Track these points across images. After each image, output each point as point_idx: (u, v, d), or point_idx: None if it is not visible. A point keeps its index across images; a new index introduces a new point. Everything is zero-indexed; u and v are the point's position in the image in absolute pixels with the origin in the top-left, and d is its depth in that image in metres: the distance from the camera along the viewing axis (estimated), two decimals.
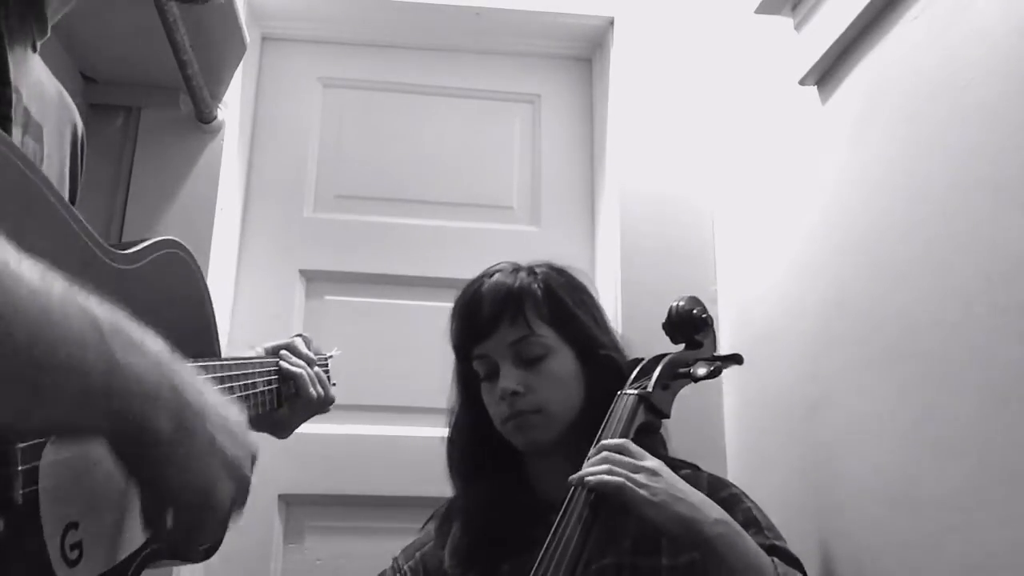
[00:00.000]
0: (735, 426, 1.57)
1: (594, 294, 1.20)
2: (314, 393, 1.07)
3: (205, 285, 0.87)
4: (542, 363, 1.10)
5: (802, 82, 1.31)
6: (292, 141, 1.84)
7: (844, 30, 1.17)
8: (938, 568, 0.94)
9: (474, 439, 1.16)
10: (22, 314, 0.43)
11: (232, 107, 1.68)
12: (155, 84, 1.60)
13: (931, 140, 1.01)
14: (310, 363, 1.10)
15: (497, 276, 1.14)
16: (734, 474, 1.51)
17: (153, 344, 0.54)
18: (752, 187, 1.57)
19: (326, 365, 1.17)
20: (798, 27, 1.33)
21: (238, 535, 1.57)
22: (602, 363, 1.12)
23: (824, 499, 1.21)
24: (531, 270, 1.16)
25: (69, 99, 0.81)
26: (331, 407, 1.14)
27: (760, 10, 1.38)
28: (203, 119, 1.62)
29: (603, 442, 0.97)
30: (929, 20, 1.03)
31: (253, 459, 0.64)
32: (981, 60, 0.92)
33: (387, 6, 1.85)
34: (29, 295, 0.44)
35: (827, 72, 1.26)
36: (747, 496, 1.08)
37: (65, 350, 0.45)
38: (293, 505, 1.64)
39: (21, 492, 0.54)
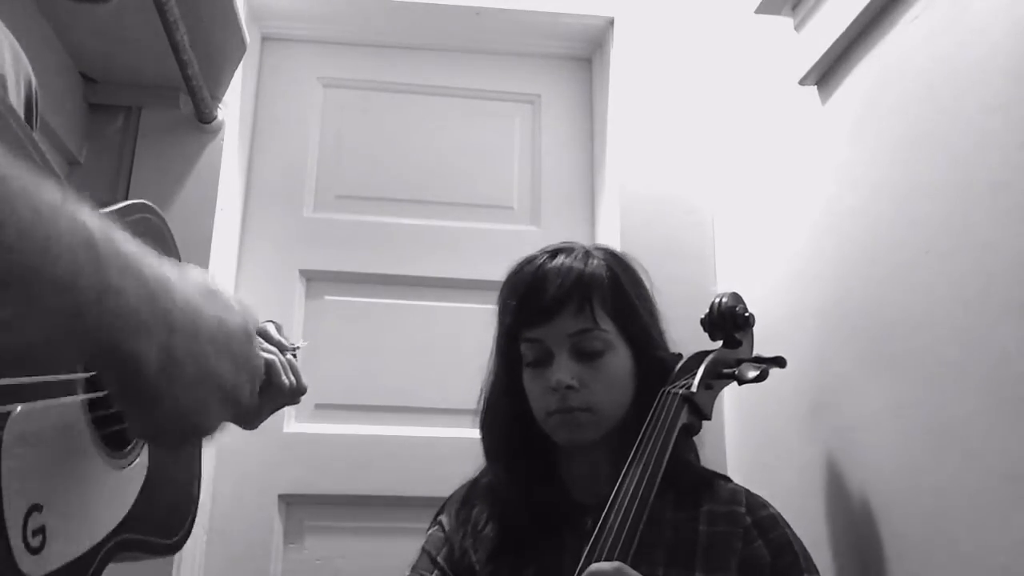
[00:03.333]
0: (735, 426, 1.57)
1: (647, 282, 1.13)
2: (286, 381, 1.03)
3: (178, 252, 0.84)
4: (600, 359, 1.03)
5: (802, 82, 1.31)
6: (292, 141, 1.84)
7: (844, 30, 1.17)
8: (941, 565, 0.94)
9: (511, 426, 1.08)
10: (11, 215, 0.39)
11: (232, 107, 1.68)
12: (155, 84, 1.60)
13: (931, 140, 1.01)
14: (282, 350, 1.07)
15: (565, 258, 1.06)
16: (735, 475, 1.51)
17: (148, 261, 0.49)
18: (752, 187, 1.57)
19: (295, 355, 1.14)
20: (798, 27, 1.33)
21: (238, 535, 1.58)
22: (655, 364, 1.07)
23: (825, 499, 1.21)
24: (598, 257, 1.08)
25: (20, 51, 0.77)
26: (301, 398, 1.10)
27: (760, 10, 1.38)
28: (203, 119, 1.62)
29: (592, 567, 0.84)
30: (929, 20, 1.03)
31: (258, 375, 0.61)
32: (981, 60, 0.92)
33: (387, 6, 1.85)
34: (18, 194, 0.40)
35: (827, 72, 1.26)
36: (784, 520, 1.04)
37: (58, 258, 0.41)
38: (293, 505, 1.64)
39: None
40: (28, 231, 0.39)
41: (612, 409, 1.05)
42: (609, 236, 1.75)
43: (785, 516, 1.06)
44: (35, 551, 0.54)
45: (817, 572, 1.00)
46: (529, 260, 1.08)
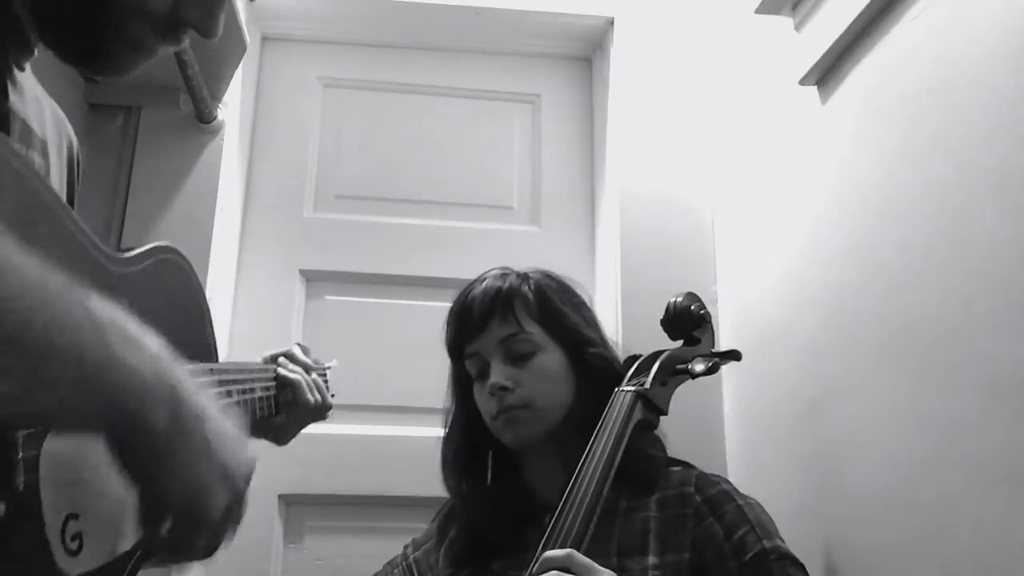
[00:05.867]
0: (735, 426, 1.57)
1: (586, 298, 1.22)
2: (311, 399, 1.08)
3: (202, 291, 0.87)
4: (531, 359, 1.11)
5: (802, 82, 1.31)
6: (292, 141, 1.84)
7: (844, 30, 1.17)
8: (939, 567, 0.94)
9: (468, 440, 1.17)
10: (20, 300, 0.44)
11: (232, 107, 1.68)
12: (155, 84, 1.60)
13: (931, 140, 1.01)
14: (307, 369, 1.11)
15: (488, 280, 1.17)
16: (734, 474, 1.51)
17: (151, 343, 0.53)
18: (752, 187, 1.57)
19: (324, 375, 1.18)
20: (798, 27, 1.33)
21: (238, 535, 1.58)
22: (592, 361, 1.14)
23: (825, 498, 1.21)
24: (521, 274, 1.18)
25: (63, 116, 0.82)
26: (329, 414, 1.14)
27: (760, 10, 1.38)
28: (203, 119, 1.62)
29: (546, 555, 0.88)
30: (929, 20, 1.03)
31: (249, 473, 0.62)
32: (981, 60, 0.92)
33: (387, 6, 1.85)
34: (28, 283, 0.45)
35: (827, 72, 1.26)
36: (739, 493, 1.06)
37: (62, 338, 0.46)
38: (293, 505, 1.64)
39: (23, 479, 0.54)
40: (34, 318, 0.45)
41: (550, 405, 1.11)
42: (609, 236, 1.75)
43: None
44: (73, 553, 0.60)
45: (780, 538, 1.01)
46: (462, 290, 1.20)
